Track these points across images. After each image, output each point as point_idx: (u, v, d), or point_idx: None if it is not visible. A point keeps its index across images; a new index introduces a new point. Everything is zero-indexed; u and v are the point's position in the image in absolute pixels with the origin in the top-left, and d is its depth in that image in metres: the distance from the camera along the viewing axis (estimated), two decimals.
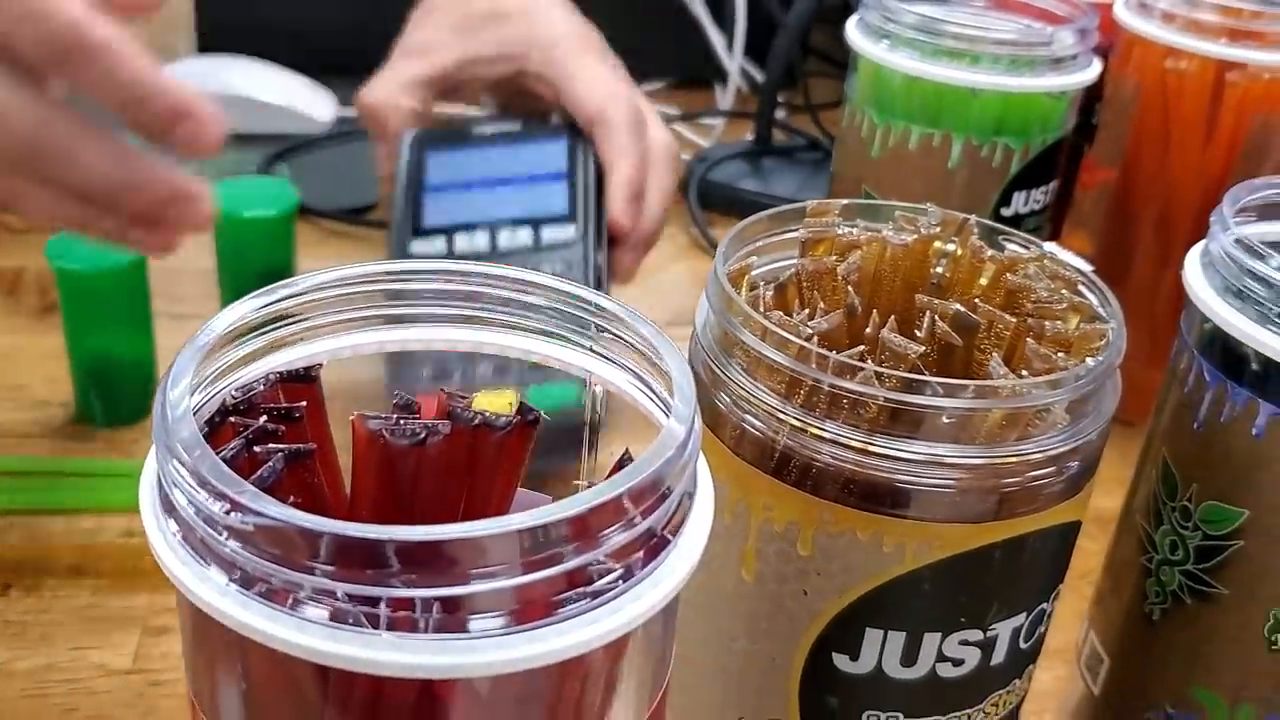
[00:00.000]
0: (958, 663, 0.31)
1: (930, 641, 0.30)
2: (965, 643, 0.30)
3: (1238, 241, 0.33)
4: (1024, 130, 0.49)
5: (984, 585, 0.30)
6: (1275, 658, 0.34)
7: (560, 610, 0.20)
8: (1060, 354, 0.30)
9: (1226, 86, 0.56)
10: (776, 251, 0.35)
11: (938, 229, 0.34)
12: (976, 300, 0.32)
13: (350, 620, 0.20)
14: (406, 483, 0.26)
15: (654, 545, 0.22)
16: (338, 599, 0.20)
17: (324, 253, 0.73)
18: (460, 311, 0.27)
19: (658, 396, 0.25)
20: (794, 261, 0.34)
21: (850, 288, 0.32)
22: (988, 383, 0.28)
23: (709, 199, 0.79)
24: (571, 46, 0.57)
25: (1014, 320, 0.31)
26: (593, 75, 0.55)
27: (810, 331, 0.29)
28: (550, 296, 0.26)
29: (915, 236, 0.34)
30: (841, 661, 0.31)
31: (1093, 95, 0.62)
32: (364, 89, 0.59)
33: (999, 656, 0.31)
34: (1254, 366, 0.32)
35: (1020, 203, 0.50)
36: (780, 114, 0.89)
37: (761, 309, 0.31)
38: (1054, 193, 0.52)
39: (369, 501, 0.26)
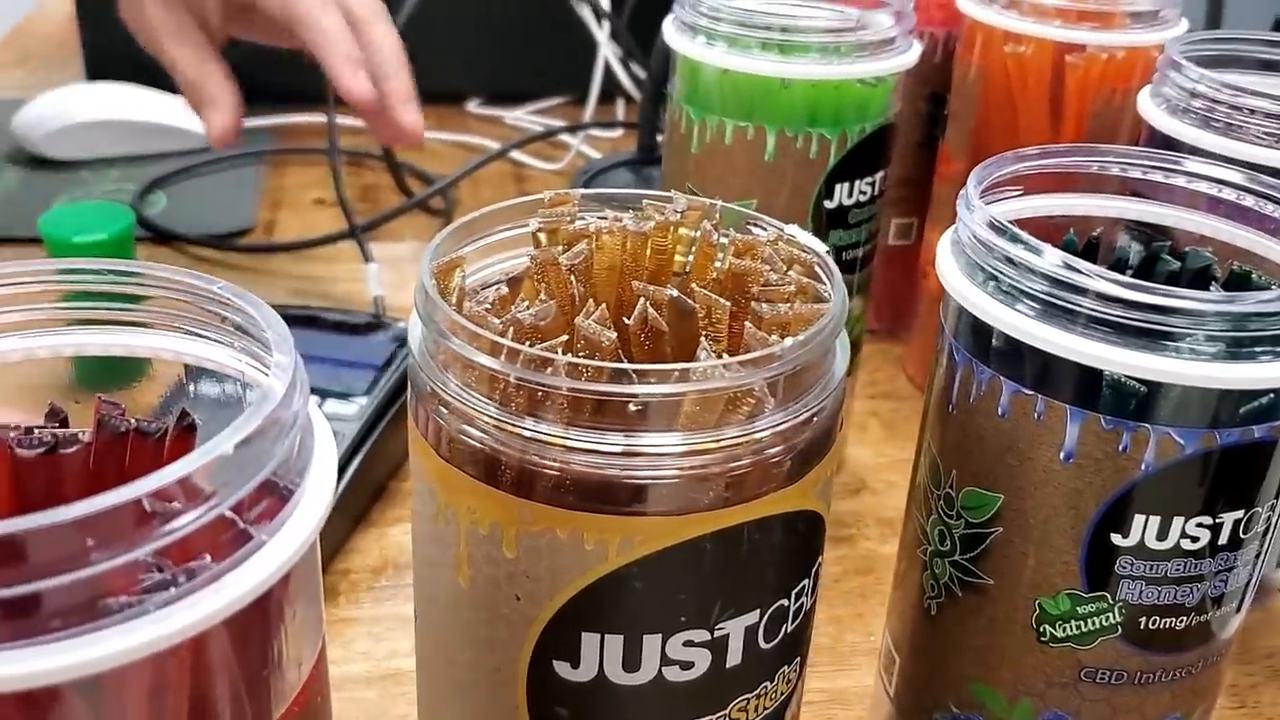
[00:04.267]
0: (686, 666, 0.29)
1: (651, 644, 0.29)
2: (691, 644, 0.29)
3: (987, 221, 0.31)
4: (838, 120, 0.47)
5: (700, 581, 0.28)
6: (1045, 649, 0.32)
7: (91, 618, 0.18)
8: (776, 336, 0.29)
9: (1066, 69, 0.55)
10: (519, 247, 0.34)
11: (679, 216, 0.33)
12: (693, 285, 0.31)
13: None
14: (40, 494, 0.25)
15: (233, 539, 0.20)
16: None
17: None
18: (73, 314, 0.25)
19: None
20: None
21: (574, 277, 0.31)
22: (677, 366, 0.26)
23: None
24: None
25: (728, 304, 0.30)
26: (312, 27, 0.55)
27: (499, 325, 0.28)
28: (165, 286, 0.25)
29: (652, 224, 0.33)
30: (563, 669, 0.29)
31: (945, 85, 0.61)
32: (200, 103, 0.59)
33: (735, 658, 0.30)
34: (995, 344, 0.31)
35: (844, 194, 0.49)
36: None
37: (480, 306, 0.30)
38: (881, 183, 0.50)
39: (6, 516, 0.25)
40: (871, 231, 0.52)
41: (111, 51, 0.92)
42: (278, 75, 0.95)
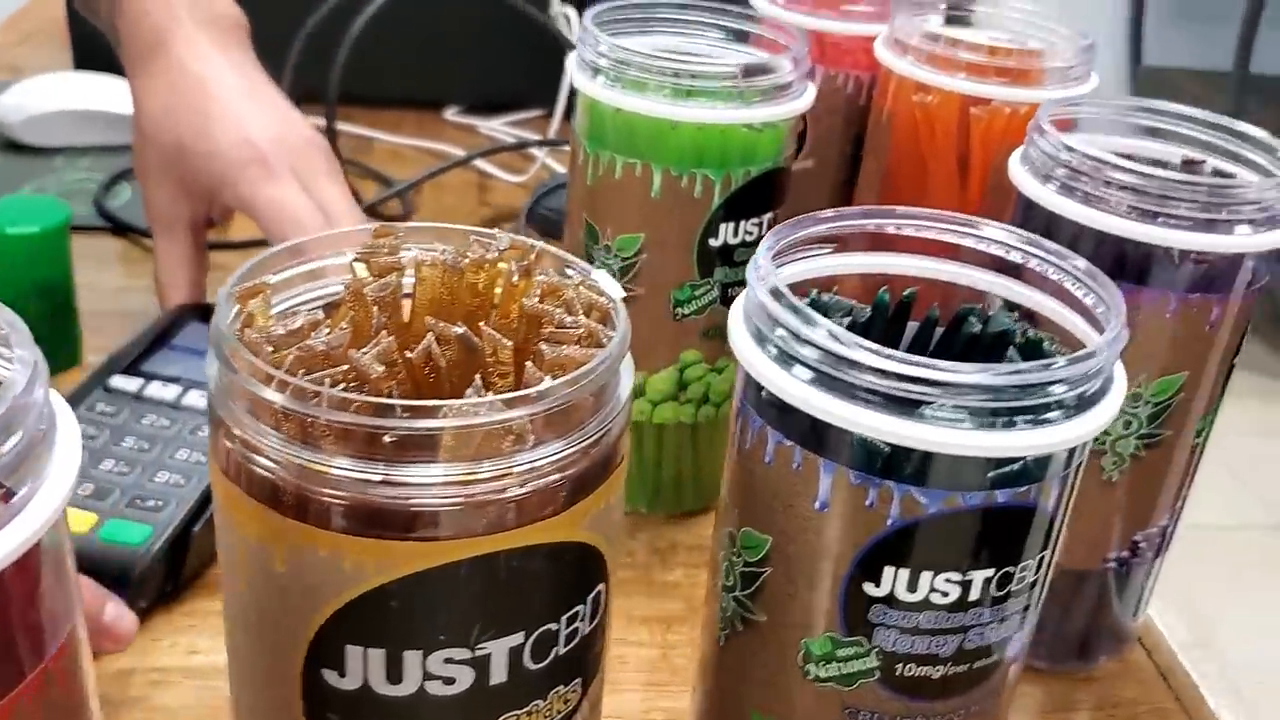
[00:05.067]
0: (449, 681, 0.31)
1: (412, 658, 0.30)
2: (452, 661, 0.31)
3: (770, 289, 0.32)
4: (724, 162, 0.49)
5: (457, 603, 0.30)
6: (812, 686, 0.34)
7: None
8: (549, 377, 0.31)
9: (971, 121, 0.56)
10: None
11: (497, 255, 0.35)
12: (481, 325, 0.32)
13: None
14: None
15: None
16: None
17: (145, 270, 0.74)
18: None
19: None
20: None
21: (378, 308, 0.33)
22: (435, 402, 0.28)
23: (549, 225, 0.80)
24: (253, 176, 0.59)
25: (510, 344, 0.31)
26: (275, 211, 0.58)
27: (271, 350, 0.30)
28: None
29: (468, 261, 0.34)
30: (332, 678, 0.31)
31: (861, 128, 0.63)
32: (161, 284, 0.64)
33: (499, 676, 0.31)
34: (763, 394, 0.32)
35: (729, 234, 0.51)
36: None
37: (281, 329, 0.32)
38: (771, 224, 0.52)
39: None
40: None
41: (99, 42, 0.94)
42: None
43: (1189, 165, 0.49)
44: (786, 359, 0.31)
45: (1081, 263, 0.35)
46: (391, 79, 0.98)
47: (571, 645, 0.33)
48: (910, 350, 0.37)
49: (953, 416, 0.30)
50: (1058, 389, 0.31)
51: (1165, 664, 0.52)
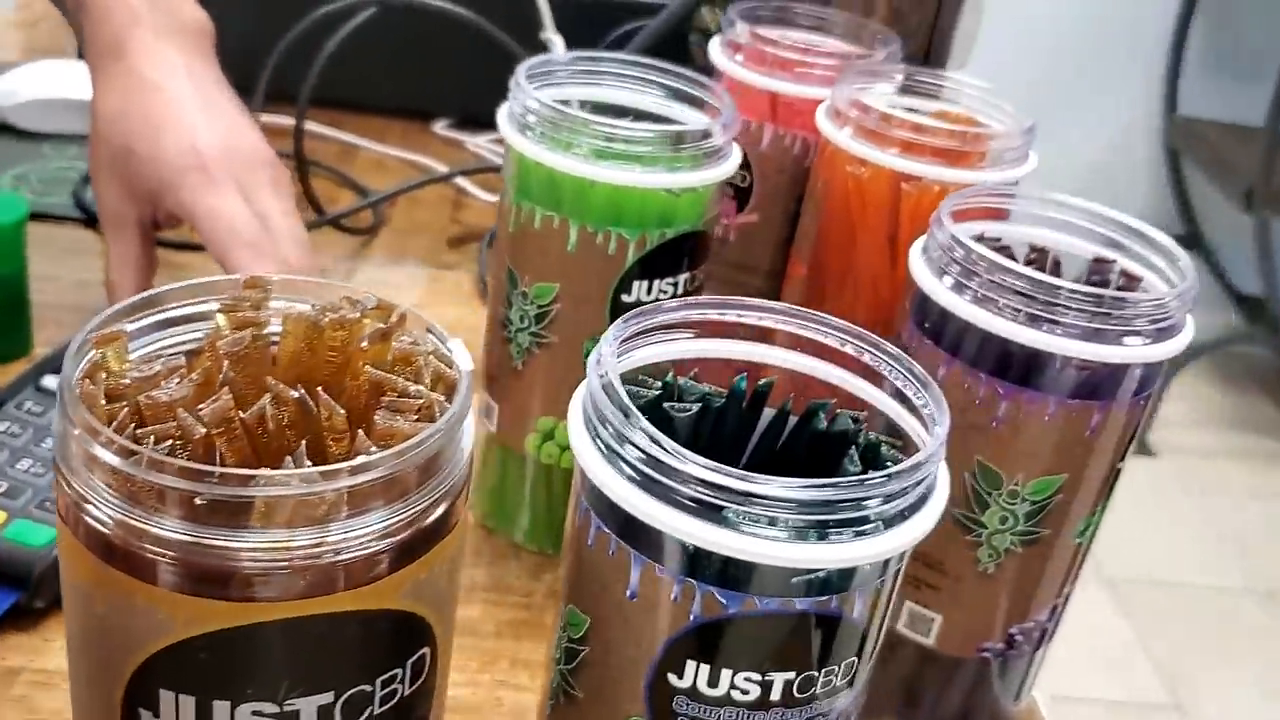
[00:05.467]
0: None
1: (221, 709, 0.31)
2: (261, 714, 0.32)
3: (603, 385, 0.33)
4: (641, 223, 0.50)
5: (265, 661, 0.31)
6: None
7: None
8: (374, 448, 0.32)
9: (902, 196, 0.57)
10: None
11: (359, 315, 0.36)
12: (318, 389, 0.34)
13: None
14: None
15: None
16: None
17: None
18: None
19: None
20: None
21: (227, 362, 0.34)
22: (246, 471, 0.29)
23: None
24: (194, 183, 0.60)
25: (344, 412, 0.33)
26: (213, 219, 0.59)
27: (105, 402, 0.31)
28: None
29: (328, 320, 0.36)
30: (148, 719, 0.32)
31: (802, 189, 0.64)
32: (109, 283, 0.65)
33: None
34: (587, 479, 0.33)
35: (642, 291, 0.51)
36: None
37: (135, 376, 0.33)
38: (687, 284, 0.53)
39: None
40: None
41: None
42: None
43: (1099, 264, 0.50)
44: (611, 452, 0.32)
45: (919, 370, 0.35)
46: (384, 86, 1.00)
47: (389, 706, 0.34)
48: (763, 439, 0.38)
49: (756, 525, 0.31)
50: (872, 503, 0.32)
51: None
